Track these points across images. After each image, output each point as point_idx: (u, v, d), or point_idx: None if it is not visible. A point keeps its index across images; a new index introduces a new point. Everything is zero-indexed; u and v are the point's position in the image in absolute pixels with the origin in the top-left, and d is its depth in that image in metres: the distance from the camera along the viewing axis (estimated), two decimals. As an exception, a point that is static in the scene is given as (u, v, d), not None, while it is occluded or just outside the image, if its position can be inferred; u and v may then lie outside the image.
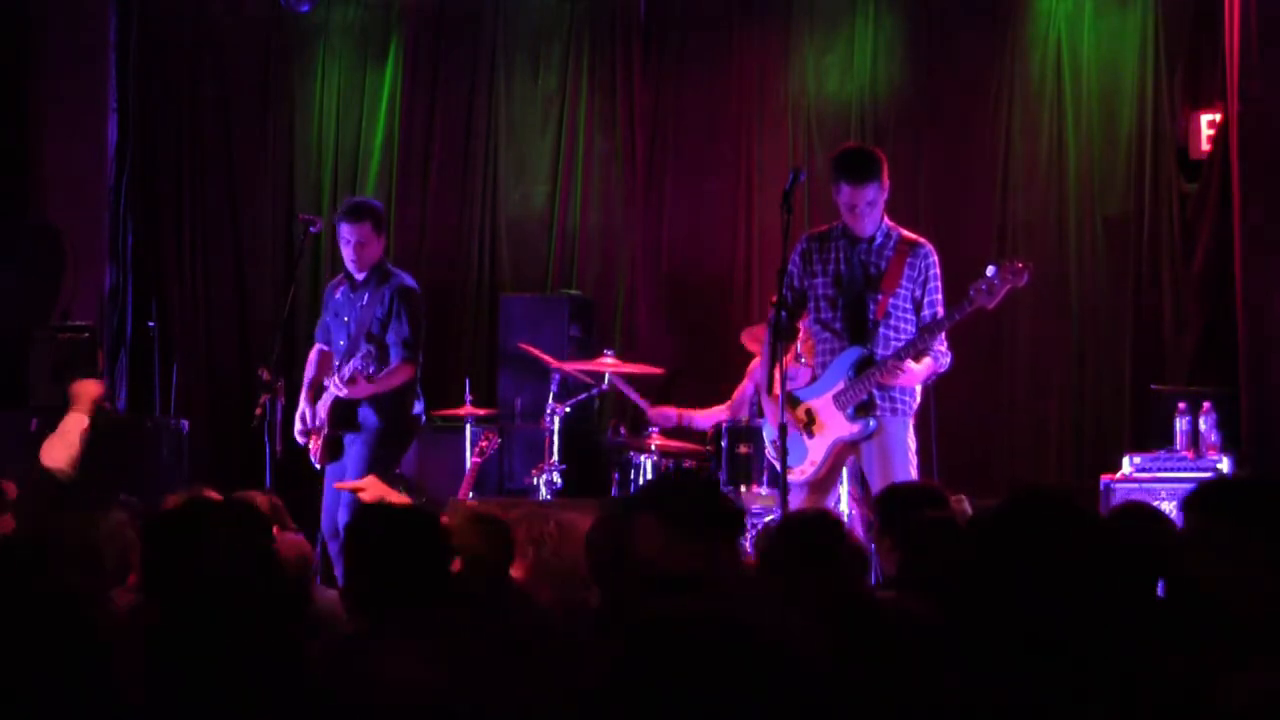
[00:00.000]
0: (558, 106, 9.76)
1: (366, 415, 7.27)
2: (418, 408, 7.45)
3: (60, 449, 6.28)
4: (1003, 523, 2.43)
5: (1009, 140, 8.97)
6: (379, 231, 7.37)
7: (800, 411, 6.45)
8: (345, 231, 7.32)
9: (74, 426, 6.38)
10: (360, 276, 7.37)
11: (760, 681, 1.88)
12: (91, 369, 7.17)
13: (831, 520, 4.04)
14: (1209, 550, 2.68)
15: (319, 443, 7.34)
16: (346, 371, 7.15)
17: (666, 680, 1.89)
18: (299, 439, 7.39)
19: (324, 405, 7.31)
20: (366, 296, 7.34)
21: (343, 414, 7.30)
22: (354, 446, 7.28)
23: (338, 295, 7.49)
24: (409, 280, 7.41)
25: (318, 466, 7.35)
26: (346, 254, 7.36)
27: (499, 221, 9.78)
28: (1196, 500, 2.80)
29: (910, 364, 6.26)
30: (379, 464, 7.14)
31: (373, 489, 6.03)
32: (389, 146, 9.88)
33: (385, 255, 7.50)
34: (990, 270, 6.11)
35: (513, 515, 4.52)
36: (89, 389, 6.58)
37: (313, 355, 7.58)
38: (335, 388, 7.19)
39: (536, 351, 8.37)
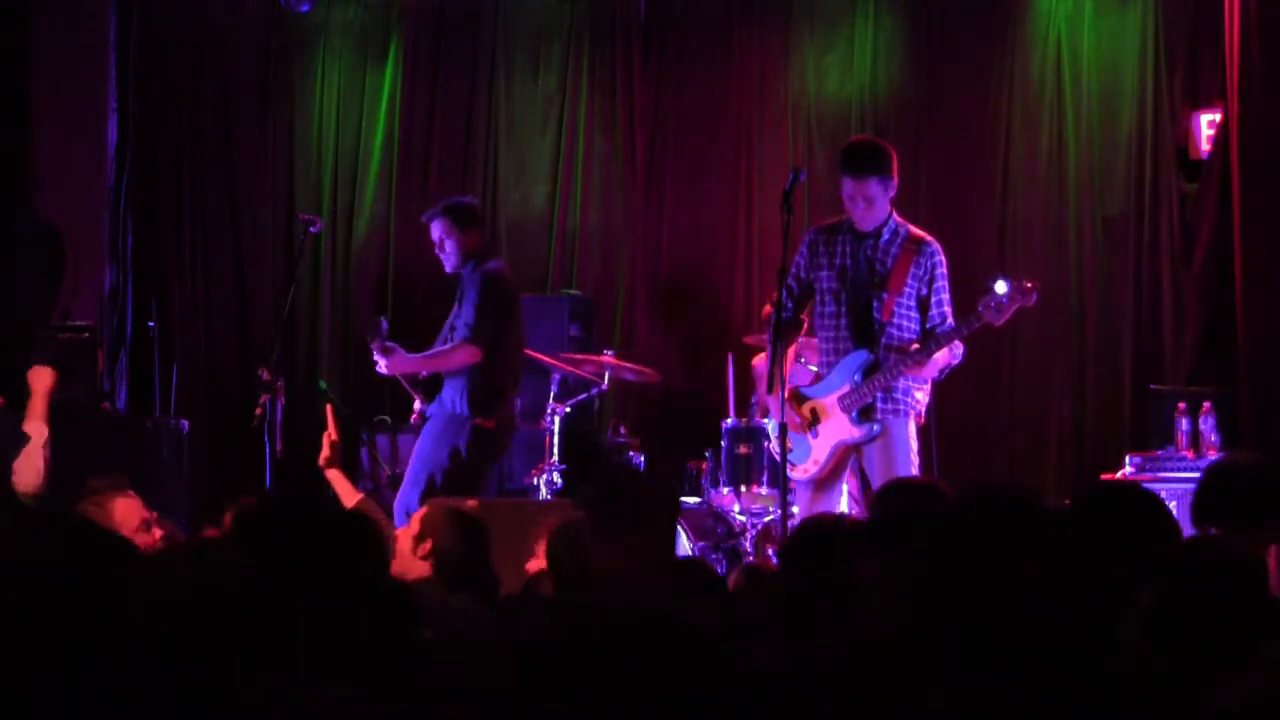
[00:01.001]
0: (558, 106, 9.76)
1: (439, 401, 7.20)
2: (499, 407, 7.17)
3: (25, 469, 5.77)
4: (953, 527, 2.41)
5: (1009, 140, 8.97)
6: (462, 227, 7.19)
7: (805, 409, 6.43)
8: (430, 231, 7.27)
9: (35, 440, 5.89)
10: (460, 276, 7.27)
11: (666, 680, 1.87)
12: (43, 357, 6.60)
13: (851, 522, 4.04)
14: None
15: None
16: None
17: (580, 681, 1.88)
18: None
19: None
20: (461, 295, 7.28)
21: (426, 397, 7.35)
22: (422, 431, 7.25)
23: None
24: (486, 265, 7.20)
25: None
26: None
27: (499, 222, 9.76)
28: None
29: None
30: (436, 459, 7.04)
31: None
32: (389, 146, 9.87)
33: (478, 250, 7.28)
34: (1003, 289, 6.04)
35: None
36: (38, 383, 6.10)
37: None
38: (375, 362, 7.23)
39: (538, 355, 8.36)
